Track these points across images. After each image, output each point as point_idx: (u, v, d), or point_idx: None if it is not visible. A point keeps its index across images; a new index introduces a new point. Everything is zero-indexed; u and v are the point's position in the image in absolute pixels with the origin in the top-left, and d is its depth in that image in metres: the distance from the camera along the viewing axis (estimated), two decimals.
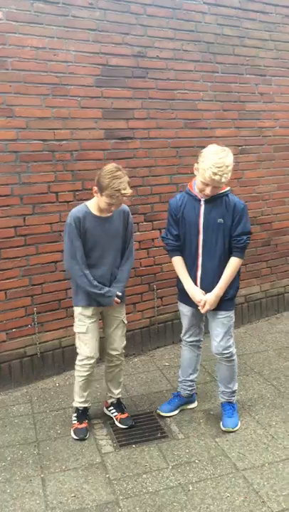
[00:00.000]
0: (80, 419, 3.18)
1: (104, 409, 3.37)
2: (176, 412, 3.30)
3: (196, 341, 3.26)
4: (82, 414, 3.20)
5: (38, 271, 3.81)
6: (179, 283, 3.13)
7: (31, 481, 2.72)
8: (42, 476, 2.76)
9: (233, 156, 2.82)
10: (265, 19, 4.73)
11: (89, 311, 3.05)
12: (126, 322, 3.24)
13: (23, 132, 3.66)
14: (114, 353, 3.19)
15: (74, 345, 3.19)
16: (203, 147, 2.93)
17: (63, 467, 2.83)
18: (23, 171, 3.69)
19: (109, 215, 3.01)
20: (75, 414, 3.22)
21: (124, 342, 3.24)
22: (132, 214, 4.15)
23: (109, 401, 3.32)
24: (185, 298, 3.10)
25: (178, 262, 3.07)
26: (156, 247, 4.36)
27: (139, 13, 4.05)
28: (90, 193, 3.86)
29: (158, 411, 3.30)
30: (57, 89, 3.76)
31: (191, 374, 3.30)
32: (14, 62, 3.57)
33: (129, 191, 2.85)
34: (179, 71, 4.31)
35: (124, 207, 3.13)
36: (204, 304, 2.98)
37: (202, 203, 2.94)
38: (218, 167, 2.71)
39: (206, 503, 2.49)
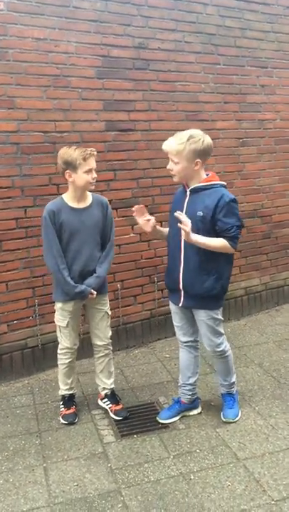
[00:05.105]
0: (67, 406, 3.23)
1: (99, 401, 3.33)
2: (177, 418, 3.14)
3: (192, 341, 3.13)
4: (69, 400, 3.26)
5: (39, 263, 3.80)
6: (166, 282, 3.08)
7: (34, 470, 2.75)
8: (44, 465, 2.79)
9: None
10: (267, 11, 4.71)
11: (69, 306, 3.05)
12: (110, 313, 3.23)
13: (24, 124, 3.65)
14: (101, 343, 3.20)
15: None
16: None
17: (65, 457, 2.85)
18: (24, 163, 3.69)
19: (86, 205, 3.02)
20: (62, 402, 3.28)
21: (110, 332, 3.24)
22: (133, 206, 4.20)
23: (103, 393, 3.29)
24: (171, 296, 3.05)
25: None
26: (156, 239, 4.35)
27: (141, 4, 4.03)
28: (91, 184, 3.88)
29: (157, 418, 3.16)
30: (58, 80, 3.75)
31: (190, 377, 3.15)
32: (15, 54, 3.56)
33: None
34: (181, 63, 4.29)
35: (103, 198, 3.13)
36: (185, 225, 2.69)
37: (188, 193, 2.86)
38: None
39: (208, 491, 2.52)
